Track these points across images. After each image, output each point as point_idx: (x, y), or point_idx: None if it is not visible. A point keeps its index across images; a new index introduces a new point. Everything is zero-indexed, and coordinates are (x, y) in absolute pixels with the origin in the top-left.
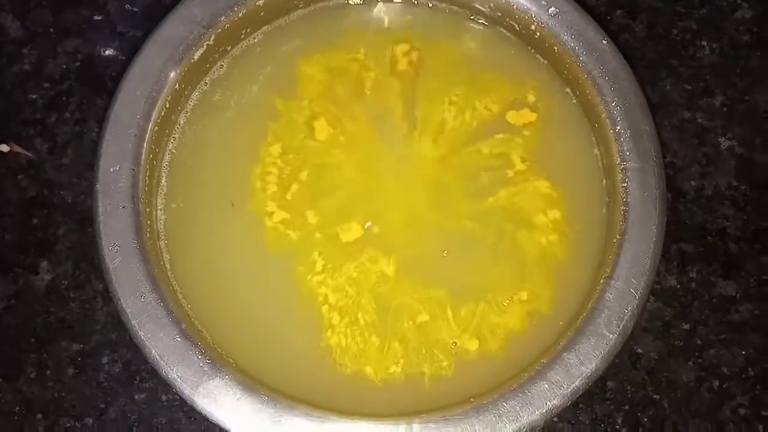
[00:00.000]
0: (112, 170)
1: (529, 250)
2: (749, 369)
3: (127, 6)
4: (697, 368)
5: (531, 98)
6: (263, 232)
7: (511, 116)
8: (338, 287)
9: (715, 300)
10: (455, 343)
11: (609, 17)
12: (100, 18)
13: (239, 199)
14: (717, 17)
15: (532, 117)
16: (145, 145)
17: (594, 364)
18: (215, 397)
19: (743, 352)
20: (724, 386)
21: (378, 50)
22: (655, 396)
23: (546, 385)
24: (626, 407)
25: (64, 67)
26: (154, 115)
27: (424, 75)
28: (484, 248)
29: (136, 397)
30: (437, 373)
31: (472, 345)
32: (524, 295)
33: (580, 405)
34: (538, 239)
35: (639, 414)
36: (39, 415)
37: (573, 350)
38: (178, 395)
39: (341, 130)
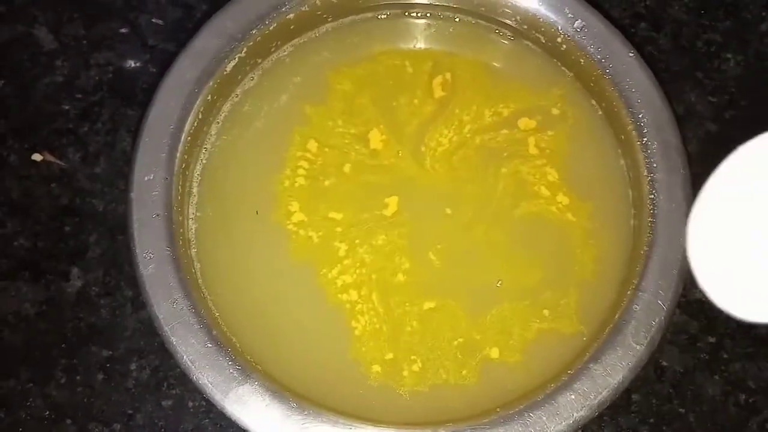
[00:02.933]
0: (146, 179)
1: (555, 259)
2: None
3: (157, 20)
4: (724, 382)
5: (556, 110)
6: (288, 239)
7: (522, 122)
8: (356, 261)
9: None
10: (460, 342)
11: (633, 30)
12: (130, 31)
13: (266, 205)
14: (742, 29)
15: (561, 129)
16: (178, 154)
17: (621, 375)
18: (245, 403)
19: None
20: (750, 400)
21: (409, 63)
22: (680, 409)
23: (573, 396)
24: (651, 420)
25: (96, 78)
26: (187, 125)
27: (455, 98)
28: (511, 257)
29: (163, 403)
30: (460, 382)
31: (494, 353)
32: (546, 311)
33: (605, 417)
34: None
35: (664, 427)
36: (68, 420)
37: (600, 361)
38: (205, 402)
39: (378, 138)
